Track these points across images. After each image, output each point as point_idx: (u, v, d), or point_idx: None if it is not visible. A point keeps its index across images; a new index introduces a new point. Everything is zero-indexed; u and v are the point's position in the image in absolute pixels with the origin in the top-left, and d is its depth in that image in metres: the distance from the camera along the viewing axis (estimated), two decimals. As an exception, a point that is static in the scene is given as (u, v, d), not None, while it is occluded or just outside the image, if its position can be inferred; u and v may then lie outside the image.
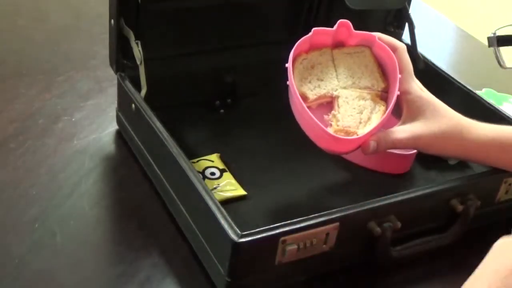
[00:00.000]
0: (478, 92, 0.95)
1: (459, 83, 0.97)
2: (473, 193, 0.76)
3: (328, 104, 0.75)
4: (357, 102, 0.74)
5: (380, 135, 0.72)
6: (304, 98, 0.74)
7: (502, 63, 0.67)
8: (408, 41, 1.01)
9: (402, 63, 0.76)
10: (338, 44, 0.77)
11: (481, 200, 0.77)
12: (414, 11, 1.01)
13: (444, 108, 0.77)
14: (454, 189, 0.75)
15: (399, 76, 0.73)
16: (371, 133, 0.71)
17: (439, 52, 1.29)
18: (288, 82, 0.71)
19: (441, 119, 0.75)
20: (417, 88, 0.76)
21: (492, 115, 0.90)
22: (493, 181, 0.78)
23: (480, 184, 0.77)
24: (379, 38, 0.77)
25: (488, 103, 0.92)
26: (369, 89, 0.76)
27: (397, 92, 0.73)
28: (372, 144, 0.72)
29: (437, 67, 1.00)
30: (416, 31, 0.99)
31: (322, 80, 0.75)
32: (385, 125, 0.73)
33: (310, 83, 0.75)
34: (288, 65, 0.71)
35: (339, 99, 0.74)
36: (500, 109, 0.90)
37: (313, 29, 0.75)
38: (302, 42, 0.74)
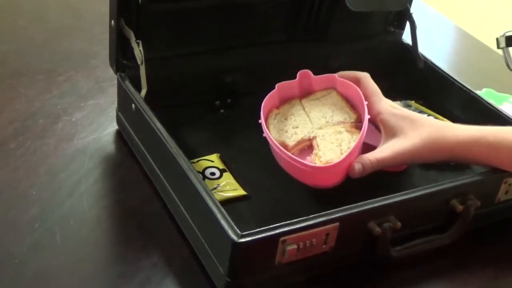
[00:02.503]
0: (478, 92, 0.95)
1: (459, 83, 0.97)
2: (473, 193, 0.76)
3: (309, 148, 0.79)
4: (334, 136, 0.77)
5: (364, 157, 0.75)
6: (285, 146, 0.77)
7: (511, 65, 0.66)
8: (409, 41, 1.01)
9: (368, 89, 0.80)
10: (305, 93, 0.83)
11: (481, 200, 0.77)
12: (414, 10, 1.01)
13: (421, 119, 0.78)
14: (454, 189, 0.75)
15: (365, 102, 0.77)
16: (350, 157, 0.73)
17: (439, 52, 1.29)
18: (264, 135, 0.75)
19: (420, 129, 0.77)
20: (389, 107, 0.79)
21: (492, 115, 0.90)
22: (493, 181, 0.78)
23: (480, 184, 0.77)
24: (340, 75, 0.81)
25: (488, 103, 0.92)
26: (343, 123, 0.79)
27: (367, 116, 0.75)
28: (357, 166, 0.74)
29: (437, 67, 1.00)
30: (417, 30, 0.99)
31: (297, 127, 0.79)
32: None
33: (287, 133, 0.79)
34: (261, 120, 0.76)
35: (317, 139, 0.78)
36: (500, 109, 0.90)
37: (277, 84, 0.80)
38: (269, 99, 0.79)
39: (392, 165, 0.76)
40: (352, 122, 0.79)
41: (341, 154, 0.75)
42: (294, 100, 0.83)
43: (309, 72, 0.82)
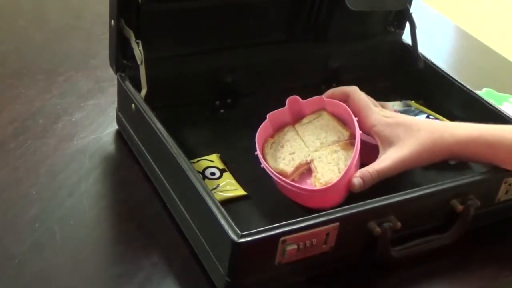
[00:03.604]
0: (478, 92, 0.95)
1: (459, 83, 0.97)
2: (473, 193, 0.76)
3: (308, 172, 0.79)
4: (330, 157, 0.78)
5: (363, 170, 0.75)
6: (284, 173, 0.78)
7: None
8: (409, 41, 1.01)
9: (360, 102, 0.80)
10: (297, 118, 0.84)
11: (481, 200, 0.77)
12: (414, 10, 1.01)
13: (417, 123, 0.78)
14: (454, 189, 0.75)
15: (355, 119, 0.77)
16: (347, 175, 0.74)
17: (439, 52, 1.29)
18: (262, 166, 0.77)
19: (416, 134, 0.77)
20: (381, 117, 0.79)
21: (492, 115, 0.90)
22: (493, 181, 0.78)
23: (480, 184, 0.77)
24: (330, 94, 0.83)
25: (488, 103, 0.92)
26: (337, 142, 0.80)
27: (359, 133, 0.76)
28: (357, 180, 0.74)
29: (437, 67, 1.00)
30: (417, 30, 0.99)
31: (294, 153, 0.80)
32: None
33: (285, 160, 0.80)
34: (257, 152, 0.77)
35: (314, 162, 0.79)
36: (500, 109, 0.90)
37: (268, 114, 0.81)
38: (262, 129, 0.80)
39: (393, 174, 0.76)
40: (346, 140, 0.80)
41: (339, 173, 0.76)
42: (288, 126, 0.84)
43: (297, 97, 0.83)
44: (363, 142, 0.79)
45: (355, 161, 0.74)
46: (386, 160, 0.76)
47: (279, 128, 0.84)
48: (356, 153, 0.75)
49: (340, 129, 0.81)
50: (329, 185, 0.74)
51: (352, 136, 0.80)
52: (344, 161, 0.77)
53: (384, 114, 0.80)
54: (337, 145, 0.79)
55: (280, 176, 0.76)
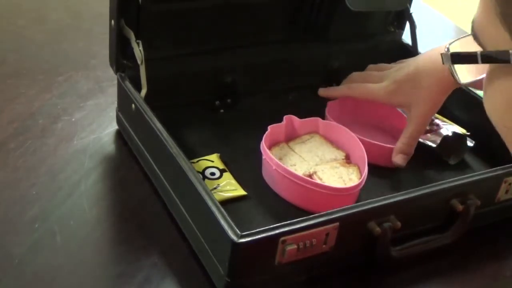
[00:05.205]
0: (478, 92, 0.95)
1: (459, 83, 0.96)
2: (473, 193, 0.76)
3: None
4: (332, 171, 0.81)
5: (398, 145, 0.82)
6: None
7: (457, 80, 0.63)
8: (409, 41, 1.01)
9: (360, 96, 0.89)
10: (290, 137, 0.86)
11: (481, 200, 0.77)
12: (414, 10, 1.01)
13: (413, 73, 0.84)
14: (454, 189, 0.75)
15: (366, 160, 0.79)
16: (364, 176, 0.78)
17: (439, 52, 1.29)
18: (274, 168, 0.77)
19: (420, 84, 0.83)
20: (383, 94, 0.86)
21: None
22: (493, 181, 0.78)
23: (480, 184, 0.77)
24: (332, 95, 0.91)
25: (488, 103, 0.92)
26: (335, 160, 0.82)
27: (365, 158, 0.80)
28: (399, 158, 0.82)
29: (437, 67, 1.00)
30: (417, 31, 0.99)
31: (295, 165, 0.81)
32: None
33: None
34: (265, 156, 0.79)
35: (318, 173, 0.80)
36: (500, 109, 0.90)
37: (269, 126, 0.83)
38: (264, 140, 0.81)
39: (424, 129, 0.83)
40: (343, 159, 0.82)
41: (345, 184, 0.78)
42: (281, 143, 0.85)
43: (294, 116, 0.85)
44: (363, 141, 0.81)
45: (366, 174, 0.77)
46: (411, 122, 0.83)
47: (273, 143, 0.84)
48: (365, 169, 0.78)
49: (334, 150, 0.84)
50: (358, 182, 0.76)
51: (347, 157, 0.83)
52: (347, 175, 0.79)
53: (380, 86, 0.86)
54: (336, 163, 0.82)
55: (303, 176, 0.76)
